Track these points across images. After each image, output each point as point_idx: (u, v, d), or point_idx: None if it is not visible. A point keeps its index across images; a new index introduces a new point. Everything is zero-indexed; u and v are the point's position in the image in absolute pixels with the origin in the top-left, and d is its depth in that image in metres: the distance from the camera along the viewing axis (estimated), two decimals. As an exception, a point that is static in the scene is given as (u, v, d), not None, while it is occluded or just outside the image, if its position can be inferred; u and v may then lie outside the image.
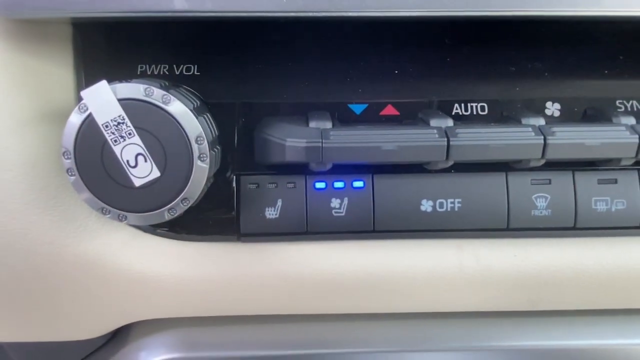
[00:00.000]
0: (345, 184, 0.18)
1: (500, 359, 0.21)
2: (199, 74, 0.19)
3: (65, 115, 0.17)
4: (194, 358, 0.19)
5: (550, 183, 0.18)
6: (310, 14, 0.15)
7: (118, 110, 0.15)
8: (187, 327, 0.20)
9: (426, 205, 0.18)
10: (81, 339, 0.20)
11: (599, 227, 0.18)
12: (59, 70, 0.18)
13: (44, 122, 0.18)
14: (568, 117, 0.19)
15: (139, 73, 0.19)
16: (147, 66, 0.19)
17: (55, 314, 0.19)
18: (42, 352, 0.22)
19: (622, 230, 0.19)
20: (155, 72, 0.19)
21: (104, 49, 0.19)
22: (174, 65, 0.19)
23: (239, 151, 0.19)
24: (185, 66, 0.19)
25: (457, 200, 0.18)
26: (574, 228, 0.18)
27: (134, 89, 0.15)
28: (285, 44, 0.19)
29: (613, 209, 0.18)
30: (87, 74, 0.19)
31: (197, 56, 0.19)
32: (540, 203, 0.18)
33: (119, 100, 0.15)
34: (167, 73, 0.19)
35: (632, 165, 0.18)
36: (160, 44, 0.19)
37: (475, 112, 0.19)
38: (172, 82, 0.17)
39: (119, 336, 0.22)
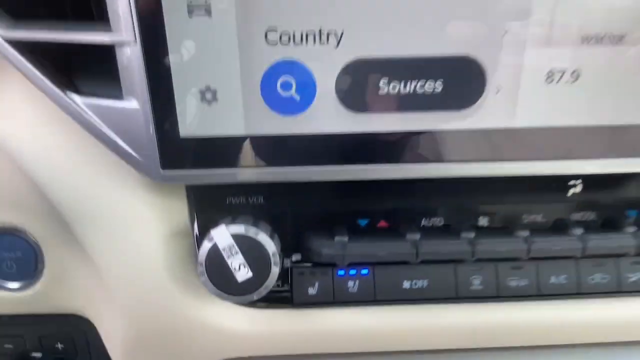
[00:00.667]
0: (356, 272, 0.30)
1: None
2: (265, 202, 0.30)
3: (184, 233, 0.29)
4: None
5: (481, 269, 0.30)
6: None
7: (230, 241, 0.27)
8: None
9: (406, 284, 0.30)
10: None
11: (513, 295, 0.30)
12: (180, 203, 0.30)
13: (174, 237, 0.30)
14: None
15: (227, 203, 0.30)
16: (232, 198, 0.30)
17: (180, 355, 0.31)
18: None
19: (521, 297, 0.30)
20: (238, 202, 0.30)
21: (205, 189, 0.30)
22: (249, 197, 0.30)
23: (291, 249, 0.30)
24: (255, 197, 0.30)
25: (425, 280, 0.30)
26: (497, 297, 0.30)
27: (239, 228, 0.27)
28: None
29: (520, 284, 0.30)
30: (195, 206, 0.30)
31: (262, 190, 0.30)
32: (476, 281, 0.30)
33: (231, 234, 0.27)
34: (245, 202, 0.30)
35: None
36: (239, 186, 0.30)
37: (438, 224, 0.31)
38: (255, 215, 0.29)
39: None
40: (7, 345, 0.38)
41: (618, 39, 0.25)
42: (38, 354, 0.39)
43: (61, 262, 0.34)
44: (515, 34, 0.24)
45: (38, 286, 0.35)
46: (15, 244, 0.35)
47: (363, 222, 0.31)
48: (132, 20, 0.24)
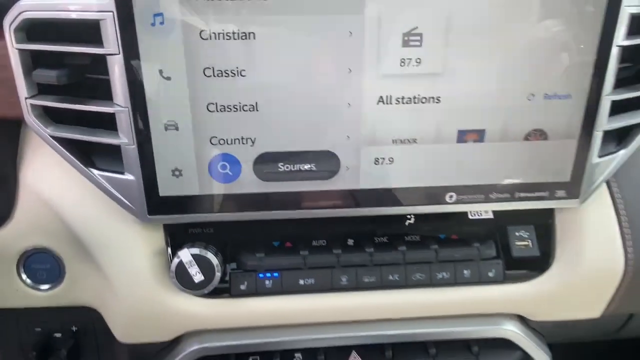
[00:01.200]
0: (270, 275, 0.48)
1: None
2: (213, 232, 0.48)
3: (162, 252, 0.47)
4: (223, 345, 0.48)
5: (346, 272, 0.48)
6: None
7: (190, 258, 0.44)
8: (212, 334, 0.50)
9: (301, 282, 0.48)
10: (164, 340, 0.50)
11: (365, 288, 0.49)
12: (158, 234, 0.48)
13: (156, 255, 0.47)
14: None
15: (189, 233, 0.48)
16: (192, 230, 0.48)
17: (158, 331, 0.48)
18: (143, 346, 0.51)
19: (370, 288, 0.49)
20: (195, 232, 0.48)
21: (174, 225, 0.48)
22: (203, 229, 0.48)
23: (230, 260, 0.48)
24: (206, 228, 0.48)
25: (312, 279, 0.48)
26: (356, 288, 0.48)
27: (195, 250, 0.45)
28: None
29: (369, 280, 0.48)
30: (168, 236, 0.48)
31: (211, 225, 0.48)
32: (343, 279, 0.48)
33: (191, 254, 0.44)
34: (200, 232, 0.48)
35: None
36: (196, 223, 0.48)
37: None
38: (206, 240, 0.47)
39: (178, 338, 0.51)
40: (37, 329, 0.55)
41: (413, 140, 0.44)
42: (58, 334, 0.55)
43: (77, 271, 0.50)
44: (355, 140, 0.43)
45: (60, 288, 0.51)
46: (45, 259, 0.51)
47: (276, 244, 0.49)
48: (133, 136, 0.41)
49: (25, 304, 0.52)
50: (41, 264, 0.51)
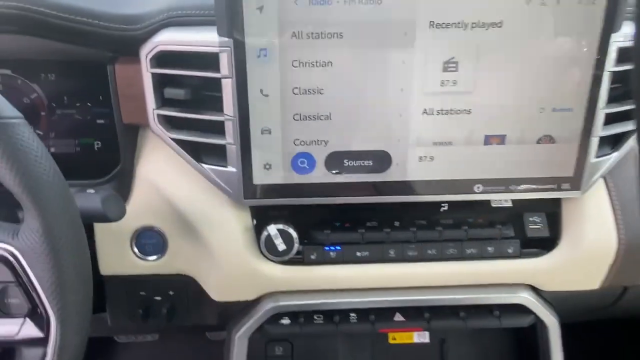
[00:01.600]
0: (334, 248, 0.61)
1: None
2: (289, 213, 0.61)
3: (249, 228, 0.60)
4: (294, 304, 0.61)
5: (394, 246, 0.61)
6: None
7: (275, 232, 0.58)
8: (285, 295, 0.63)
9: (358, 254, 0.61)
10: (249, 299, 0.63)
11: (410, 260, 0.61)
12: (247, 214, 0.61)
13: (246, 230, 0.60)
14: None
15: (271, 214, 0.61)
16: (274, 212, 0.61)
17: (246, 291, 0.62)
18: (231, 305, 0.64)
19: (413, 261, 0.61)
20: (277, 214, 0.61)
21: (261, 207, 0.61)
22: (283, 210, 0.61)
23: (304, 237, 0.61)
24: (286, 210, 0.62)
25: (366, 252, 0.61)
26: (403, 260, 0.61)
27: (279, 226, 0.58)
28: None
29: (413, 254, 0.61)
30: (256, 216, 0.61)
31: (289, 208, 0.61)
32: (391, 252, 0.61)
33: (276, 229, 0.58)
34: (281, 213, 0.61)
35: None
36: (279, 206, 0.61)
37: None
38: (285, 220, 0.60)
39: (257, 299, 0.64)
40: (141, 293, 0.68)
41: (449, 143, 0.56)
42: (158, 298, 0.69)
43: (177, 246, 0.64)
44: (404, 142, 0.56)
45: (163, 259, 0.65)
46: (153, 236, 0.65)
47: (338, 224, 0.62)
48: (238, 138, 0.54)
49: (135, 272, 0.65)
50: (149, 240, 0.65)
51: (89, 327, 0.45)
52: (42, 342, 0.42)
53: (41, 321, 0.43)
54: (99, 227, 0.62)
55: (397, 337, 0.74)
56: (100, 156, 0.63)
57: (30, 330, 0.43)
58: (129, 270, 0.65)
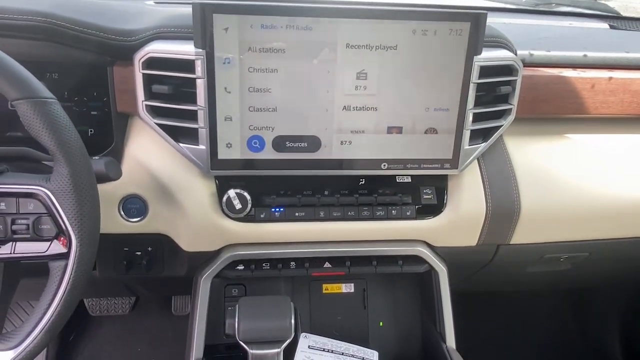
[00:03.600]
0: (279, 209, 0.81)
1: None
2: (246, 182, 0.81)
3: (214, 194, 0.79)
4: (247, 254, 0.81)
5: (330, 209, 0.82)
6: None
7: (234, 194, 0.77)
8: (241, 246, 0.82)
9: (296, 214, 0.81)
10: (213, 250, 0.82)
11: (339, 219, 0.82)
12: (212, 182, 0.80)
13: (211, 195, 0.79)
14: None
15: (232, 182, 0.81)
16: (234, 182, 0.81)
17: (210, 243, 0.80)
18: (198, 254, 0.83)
19: (342, 219, 0.82)
20: (236, 183, 0.81)
21: (224, 177, 0.81)
22: (241, 180, 0.81)
23: (257, 201, 0.81)
24: (244, 180, 0.81)
25: (303, 212, 0.81)
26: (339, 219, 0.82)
27: (238, 190, 0.78)
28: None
29: (339, 215, 0.81)
30: (219, 183, 0.81)
31: (246, 178, 0.81)
32: (333, 213, 0.81)
33: (235, 192, 0.78)
34: (239, 182, 0.81)
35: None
36: (238, 176, 0.81)
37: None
38: (242, 187, 0.79)
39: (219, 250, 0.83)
40: (125, 248, 0.86)
41: (361, 131, 0.78)
42: (139, 252, 0.86)
43: (156, 210, 0.82)
44: (330, 130, 0.77)
45: (145, 221, 0.82)
46: (136, 201, 0.82)
47: (282, 192, 0.82)
48: (207, 123, 0.74)
49: (120, 231, 0.83)
50: (133, 205, 0.82)
51: (96, 249, 0.62)
52: (65, 256, 0.60)
53: (65, 241, 0.60)
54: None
55: (329, 288, 0.94)
56: (93, 141, 0.80)
57: (56, 248, 0.61)
58: (116, 230, 0.82)
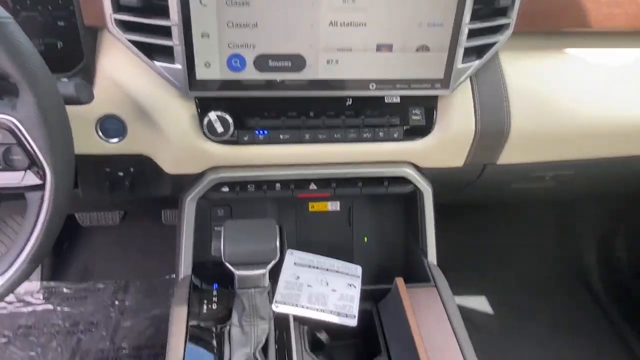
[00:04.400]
0: (263, 132, 0.78)
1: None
2: (228, 103, 0.78)
3: (195, 115, 0.76)
4: (231, 176, 0.79)
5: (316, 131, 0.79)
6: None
7: (215, 117, 0.74)
8: (225, 169, 0.81)
9: (281, 137, 0.79)
10: (195, 172, 0.80)
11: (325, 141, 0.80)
12: (192, 103, 0.77)
13: (192, 117, 0.76)
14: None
15: (213, 103, 0.77)
16: (215, 103, 0.77)
17: (192, 165, 0.79)
18: (181, 177, 0.81)
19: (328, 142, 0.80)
20: (217, 104, 0.77)
21: (204, 98, 0.77)
22: (221, 102, 0.77)
23: (240, 123, 0.78)
24: (224, 102, 0.78)
25: (287, 135, 0.79)
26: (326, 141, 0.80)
27: (219, 113, 0.74)
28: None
29: (324, 137, 0.79)
30: (200, 104, 0.77)
31: (227, 100, 0.77)
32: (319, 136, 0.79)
33: (216, 115, 0.74)
34: (220, 103, 0.77)
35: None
36: (218, 98, 0.77)
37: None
38: (223, 108, 0.76)
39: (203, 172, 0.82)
40: (107, 169, 0.84)
41: (349, 49, 0.73)
42: (121, 173, 0.85)
43: (135, 130, 0.78)
44: (315, 48, 0.72)
45: (124, 141, 0.79)
46: (114, 122, 0.79)
47: (266, 113, 0.78)
48: (182, 40, 0.69)
49: (100, 152, 0.80)
50: (111, 125, 0.79)
51: (73, 177, 0.61)
52: (40, 187, 0.59)
53: (38, 173, 0.58)
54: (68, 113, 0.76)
55: (315, 206, 0.95)
56: (63, 55, 0.74)
57: (30, 179, 0.59)
58: (95, 151, 0.80)
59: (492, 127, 0.82)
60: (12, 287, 0.58)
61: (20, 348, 1.22)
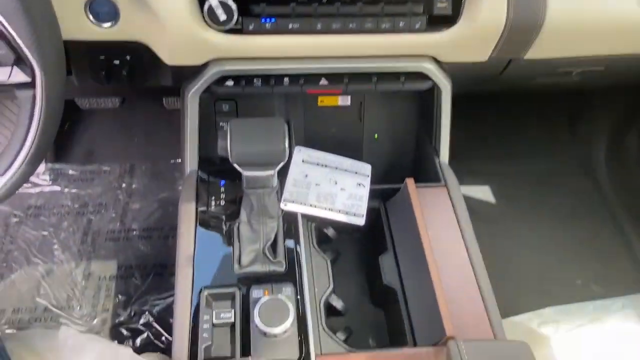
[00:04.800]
0: (270, 19, 0.71)
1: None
2: None
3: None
4: (236, 69, 0.73)
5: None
6: None
7: (217, 3, 0.66)
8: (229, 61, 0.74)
9: (291, 26, 0.71)
10: (197, 64, 0.74)
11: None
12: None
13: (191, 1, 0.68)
14: None
15: None
16: None
17: (193, 56, 0.72)
18: (182, 68, 0.75)
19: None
20: None
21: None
22: None
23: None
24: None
25: (297, 24, 0.71)
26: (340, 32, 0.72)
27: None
28: None
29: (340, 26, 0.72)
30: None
31: None
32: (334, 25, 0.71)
33: (218, 1, 0.66)
34: None
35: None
36: None
37: None
38: None
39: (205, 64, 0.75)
40: (101, 57, 0.78)
41: None
42: (117, 61, 0.78)
43: (129, 13, 0.70)
44: None
45: (118, 26, 0.71)
46: (105, 3, 0.71)
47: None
48: None
49: (92, 38, 0.73)
50: (102, 7, 0.71)
51: (65, 73, 0.56)
52: (30, 85, 0.54)
53: (27, 70, 0.53)
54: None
55: (325, 100, 0.90)
56: None
57: (19, 76, 0.54)
58: (86, 36, 0.73)
59: (525, 17, 0.73)
60: (12, 188, 0.56)
61: (33, 227, 1.25)
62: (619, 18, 0.76)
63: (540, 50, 0.79)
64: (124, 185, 1.37)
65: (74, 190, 1.34)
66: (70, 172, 1.38)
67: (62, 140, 1.41)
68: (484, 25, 0.74)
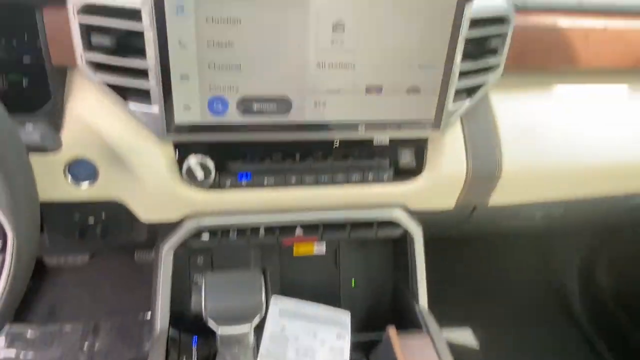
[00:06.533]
0: (246, 176, 0.74)
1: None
2: (210, 148, 0.73)
3: (173, 160, 0.71)
4: (213, 223, 0.74)
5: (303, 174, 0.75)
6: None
7: (195, 163, 0.69)
8: (205, 216, 0.75)
9: (266, 181, 0.74)
10: (173, 220, 0.75)
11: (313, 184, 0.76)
12: (171, 148, 0.72)
13: (170, 162, 0.71)
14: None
15: (192, 148, 0.72)
16: (195, 147, 0.72)
17: (170, 213, 0.73)
18: (158, 225, 0.76)
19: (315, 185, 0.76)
20: (197, 148, 0.72)
21: (183, 144, 0.72)
22: (201, 146, 0.73)
23: (221, 167, 0.73)
24: (204, 147, 0.73)
25: (272, 179, 0.74)
26: (309, 184, 0.76)
27: (199, 157, 0.69)
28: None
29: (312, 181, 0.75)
30: (179, 150, 0.72)
31: (208, 144, 0.72)
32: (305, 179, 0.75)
33: (197, 161, 0.69)
34: (200, 147, 0.72)
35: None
36: (198, 143, 0.72)
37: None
38: (204, 152, 0.71)
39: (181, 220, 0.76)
40: (76, 215, 0.78)
41: (337, 91, 0.69)
42: (92, 221, 0.79)
43: (107, 174, 0.73)
44: (302, 89, 0.68)
45: (95, 187, 0.74)
46: (84, 165, 0.73)
47: (248, 156, 0.74)
48: (160, 82, 0.64)
49: (69, 199, 0.75)
50: (81, 169, 0.73)
51: (38, 236, 0.55)
52: (1, 250, 0.53)
53: (-1, 234, 0.52)
54: (34, 158, 0.70)
55: (300, 249, 0.90)
56: (29, 93, 0.69)
57: (-12, 238, 0.53)
58: (63, 197, 0.74)
59: (484, 168, 0.79)
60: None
61: (-21, 401, 1.13)
62: (572, 164, 0.83)
63: (502, 196, 0.84)
64: (85, 346, 1.27)
65: (29, 356, 1.24)
66: (29, 335, 1.28)
67: (23, 300, 1.33)
68: (447, 175, 0.79)
